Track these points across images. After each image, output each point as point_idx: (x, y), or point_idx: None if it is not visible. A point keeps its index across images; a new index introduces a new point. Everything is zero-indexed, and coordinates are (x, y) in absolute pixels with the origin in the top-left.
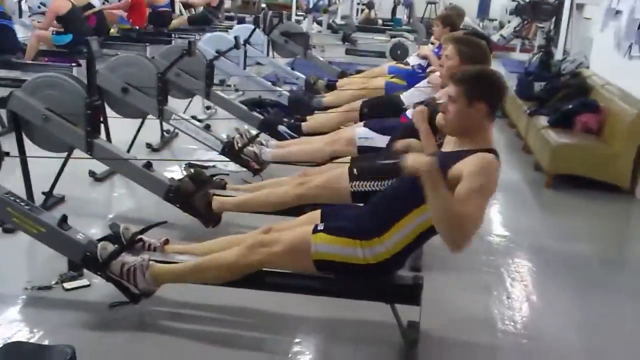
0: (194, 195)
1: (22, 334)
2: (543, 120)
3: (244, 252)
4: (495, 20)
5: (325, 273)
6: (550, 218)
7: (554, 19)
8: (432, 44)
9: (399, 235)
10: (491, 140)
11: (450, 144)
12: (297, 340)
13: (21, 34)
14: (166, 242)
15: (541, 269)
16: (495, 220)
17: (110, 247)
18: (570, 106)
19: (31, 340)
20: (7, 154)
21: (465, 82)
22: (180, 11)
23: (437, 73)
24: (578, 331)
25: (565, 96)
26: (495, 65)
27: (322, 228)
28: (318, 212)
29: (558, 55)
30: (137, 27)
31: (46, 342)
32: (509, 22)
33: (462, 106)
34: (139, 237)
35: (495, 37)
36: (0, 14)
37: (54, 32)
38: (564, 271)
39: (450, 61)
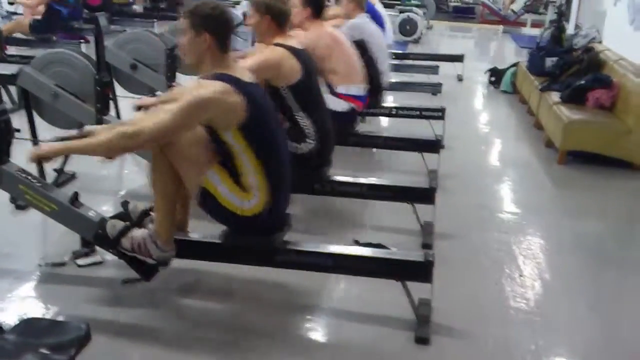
0: None
1: (36, 310)
2: (555, 96)
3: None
4: None
5: (204, 206)
6: (563, 195)
7: None
8: None
9: (255, 188)
10: (220, 68)
11: None
12: (308, 316)
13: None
14: None
15: (553, 246)
16: (507, 197)
17: (120, 224)
18: (582, 82)
19: (46, 316)
20: (18, 130)
21: (188, 14)
22: None
23: None
24: (591, 309)
25: (578, 71)
26: (506, 41)
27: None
28: None
29: (570, 29)
30: None
31: (60, 318)
32: None
33: (190, 37)
34: (147, 213)
35: (505, 12)
36: None
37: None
38: (576, 248)
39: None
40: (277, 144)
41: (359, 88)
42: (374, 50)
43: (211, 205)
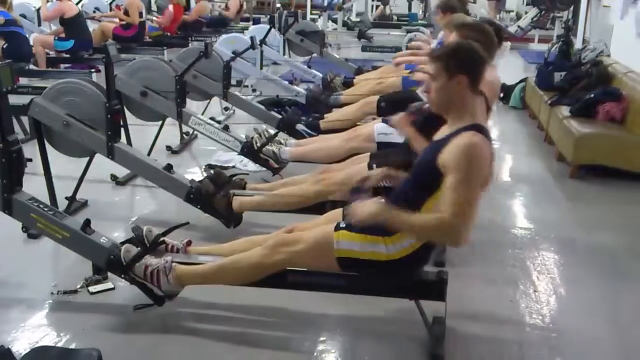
0: (215, 196)
1: (49, 338)
2: (565, 111)
3: (267, 252)
4: (512, 11)
5: (349, 271)
6: (576, 209)
7: (572, 8)
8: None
9: None
10: (477, 115)
11: (444, 128)
12: (322, 338)
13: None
14: (189, 243)
15: (568, 261)
16: (520, 212)
17: (134, 249)
18: (592, 95)
19: (58, 345)
20: (30, 160)
21: (442, 57)
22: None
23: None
24: (607, 324)
25: (587, 85)
26: (514, 57)
27: (344, 225)
28: (339, 210)
29: (578, 44)
30: (168, 34)
31: (73, 346)
32: (526, 13)
33: (442, 81)
34: (162, 239)
35: (512, 29)
36: (11, 21)
37: (56, 38)
38: (591, 263)
39: None
40: None
41: None
42: None
43: (353, 265)
